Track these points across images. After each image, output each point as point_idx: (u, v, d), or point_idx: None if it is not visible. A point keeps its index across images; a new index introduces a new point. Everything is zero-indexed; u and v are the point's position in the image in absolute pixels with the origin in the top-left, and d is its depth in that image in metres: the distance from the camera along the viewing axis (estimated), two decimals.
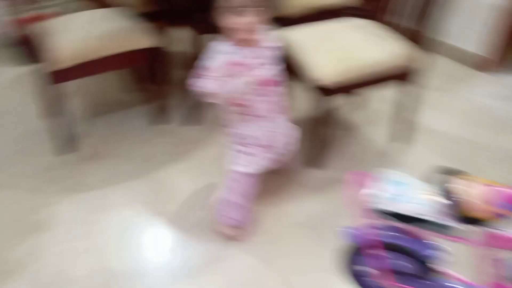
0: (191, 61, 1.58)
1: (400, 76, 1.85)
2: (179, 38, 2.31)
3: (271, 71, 1.48)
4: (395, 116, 2.07)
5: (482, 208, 1.00)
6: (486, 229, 1.05)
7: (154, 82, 2.18)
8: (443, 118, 2.30)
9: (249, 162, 1.55)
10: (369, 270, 1.33)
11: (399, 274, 1.26)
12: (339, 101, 2.39)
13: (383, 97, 2.29)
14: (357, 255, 1.31)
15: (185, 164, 2.01)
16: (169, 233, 1.71)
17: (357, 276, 1.38)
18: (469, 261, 1.22)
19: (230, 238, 1.65)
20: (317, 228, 1.71)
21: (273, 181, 1.92)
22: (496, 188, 1.02)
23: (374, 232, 1.18)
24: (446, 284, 1.22)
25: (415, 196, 1.11)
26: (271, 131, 1.56)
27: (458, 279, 1.23)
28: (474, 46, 2.68)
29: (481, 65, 2.68)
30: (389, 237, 1.19)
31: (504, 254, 1.12)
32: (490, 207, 1.00)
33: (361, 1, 2.28)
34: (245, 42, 1.41)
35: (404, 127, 2.07)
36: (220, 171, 1.76)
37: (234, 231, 1.65)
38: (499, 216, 0.99)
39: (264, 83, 1.47)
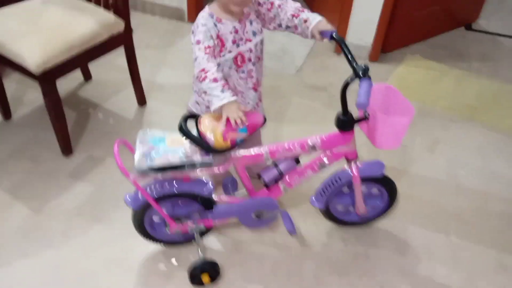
0: None
1: (113, 43, 1.89)
2: None
3: (251, 46, 1.35)
4: (131, 78, 2.14)
5: (223, 139, 1.23)
6: (231, 153, 1.31)
7: None
8: (168, 72, 2.51)
9: None
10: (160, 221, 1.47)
11: (188, 214, 1.43)
12: (72, 82, 2.32)
13: (113, 65, 2.35)
14: (145, 215, 1.42)
15: None
16: None
17: (156, 231, 1.50)
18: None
19: None
20: (94, 209, 1.71)
21: (31, 179, 1.80)
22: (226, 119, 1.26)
23: (144, 192, 1.29)
24: (226, 207, 1.46)
25: (167, 148, 1.27)
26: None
27: (232, 201, 1.49)
28: (175, 1, 2.96)
29: (185, 16, 3.00)
30: (158, 191, 1.32)
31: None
32: (228, 136, 1.24)
33: None
34: (231, 15, 1.28)
35: (140, 87, 2.18)
36: None
37: None
38: (234, 141, 1.25)
39: (243, 59, 1.35)
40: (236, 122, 1.22)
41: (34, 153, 1.93)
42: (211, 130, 1.23)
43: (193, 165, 1.25)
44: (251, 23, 1.36)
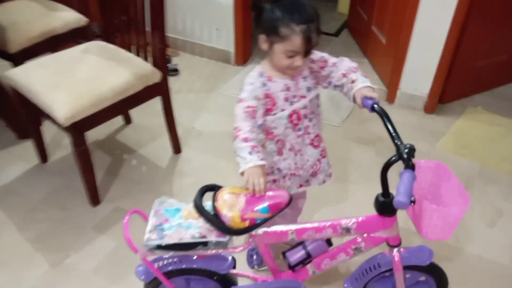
0: None
1: (148, 93, 1.84)
2: None
3: (305, 103, 1.29)
4: (167, 127, 2.08)
5: (241, 219, 1.10)
6: (251, 233, 1.16)
7: None
8: (207, 118, 2.44)
9: None
10: None
11: None
12: (113, 125, 2.31)
13: (155, 110, 2.31)
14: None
15: None
16: None
17: None
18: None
19: None
20: (114, 268, 1.62)
21: (57, 229, 1.75)
22: (247, 196, 1.13)
23: (154, 268, 1.18)
24: (245, 287, 1.33)
25: (182, 221, 1.15)
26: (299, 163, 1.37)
27: (254, 278, 1.35)
28: (223, 44, 2.92)
29: (232, 59, 2.94)
30: (171, 265, 1.21)
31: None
32: (247, 216, 1.10)
33: (88, 21, 2.22)
34: (283, 73, 1.23)
35: (175, 136, 2.11)
36: None
37: None
38: (254, 221, 1.11)
39: (299, 116, 1.29)
40: (254, 189, 1.11)
41: (65, 200, 1.90)
42: (229, 208, 1.10)
43: (205, 245, 1.12)
44: (304, 79, 1.27)
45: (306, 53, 1.16)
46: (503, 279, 1.61)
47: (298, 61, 1.16)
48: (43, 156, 2.06)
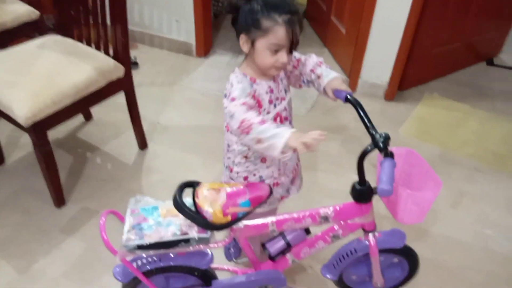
0: None
1: (111, 89, 1.78)
2: None
3: (285, 104, 1.23)
4: (132, 123, 2.02)
5: (223, 214, 1.09)
6: (232, 227, 1.16)
7: None
8: (172, 112, 2.39)
9: None
10: None
11: None
12: (72, 123, 2.21)
13: (116, 105, 2.23)
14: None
15: None
16: None
17: None
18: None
19: None
20: (85, 271, 1.57)
21: (21, 234, 1.66)
22: (228, 191, 1.12)
23: (134, 268, 1.16)
24: (227, 282, 1.31)
25: (160, 220, 1.13)
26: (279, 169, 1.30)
27: (234, 271, 1.35)
28: (184, 35, 2.86)
29: (194, 51, 2.90)
30: (150, 264, 1.18)
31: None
32: (228, 211, 1.09)
33: (39, 15, 2.11)
34: (266, 75, 1.17)
35: (141, 131, 2.06)
36: None
37: None
38: (236, 215, 1.10)
39: (281, 119, 1.22)
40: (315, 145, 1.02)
41: (26, 204, 1.80)
42: (210, 203, 1.09)
43: (187, 242, 1.11)
44: (281, 80, 1.24)
45: (291, 47, 1.11)
46: (469, 257, 1.69)
47: (283, 57, 1.10)
48: (0, 157, 1.94)
